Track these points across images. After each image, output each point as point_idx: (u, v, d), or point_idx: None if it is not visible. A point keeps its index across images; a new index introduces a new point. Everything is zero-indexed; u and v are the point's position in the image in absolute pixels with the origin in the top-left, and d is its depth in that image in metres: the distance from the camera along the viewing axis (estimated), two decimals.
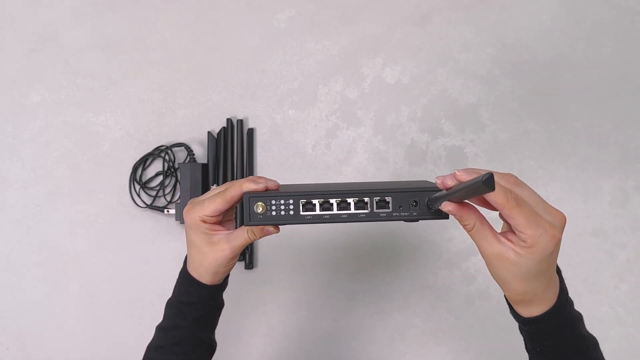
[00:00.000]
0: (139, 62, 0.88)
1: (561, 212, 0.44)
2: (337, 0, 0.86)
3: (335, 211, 0.49)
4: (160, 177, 0.86)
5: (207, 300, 0.56)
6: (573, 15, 0.84)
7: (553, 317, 0.46)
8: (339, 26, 0.86)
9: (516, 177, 0.45)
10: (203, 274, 0.54)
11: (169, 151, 0.86)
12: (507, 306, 0.50)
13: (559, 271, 0.49)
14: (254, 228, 0.52)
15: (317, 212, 0.49)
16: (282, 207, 0.49)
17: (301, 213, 0.49)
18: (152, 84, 0.87)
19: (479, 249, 0.46)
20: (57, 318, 0.87)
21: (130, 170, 0.86)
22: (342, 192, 0.48)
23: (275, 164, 0.86)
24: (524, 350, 0.56)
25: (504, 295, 0.49)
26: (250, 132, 0.86)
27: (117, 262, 0.87)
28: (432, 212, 0.48)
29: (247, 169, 0.85)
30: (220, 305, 0.60)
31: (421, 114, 0.84)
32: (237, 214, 0.82)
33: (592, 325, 0.82)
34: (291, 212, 0.49)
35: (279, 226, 0.52)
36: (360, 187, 0.50)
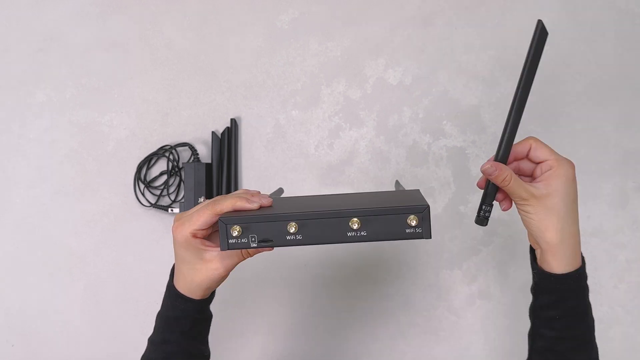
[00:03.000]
0: (143, 63, 0.88)
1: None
2: (340, 2, 0.87)
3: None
4: (165, 177, 0.87)
5: (194, 315, 0.55)
6: (574, 17, 0.84)
7: (582, 275, 0.52)
8: (341, 28, 0.87)
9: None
10: (194, 290, 0.54)
11: (173, 151, 0.87)
12: (536, 277, 0.54)
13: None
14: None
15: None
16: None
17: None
18: (157, 84, 0.88)
19: (517, 199, 0.51)
20: (62, 316, 0.88)
21: (134, 170, 0.87)
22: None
23: (279, 163, 0.87)
24: (524, 350, 0.56)
25: (531, 258, 0.55)
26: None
27: (121, 261, 0.88)
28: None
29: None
30: (208, 317, 0.59)
31: (423, 115, 0.85)
32: None
33: None
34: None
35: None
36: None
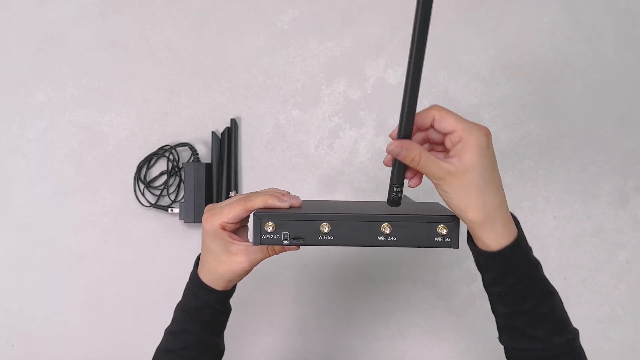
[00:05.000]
0: (143, 63, 0.88)
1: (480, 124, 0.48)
2: (340, 1, 0.87)
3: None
4: (165, 177, 0.87)
5: (215, 305, 0.57)
6: (574, 17, 0.84)
7: (517, 251, 0.48)
8: (341, 27, 0.87)
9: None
10: (217, 281, 0.55)
11: (173, 151, 0.87)
12: (473, 255, 0.51)
13: (515, 219, 0.50)
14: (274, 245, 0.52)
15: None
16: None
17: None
18: (157, 84, 0.88)
19: (432, 178, 0.46)
20: (62, 316, 0.88)
21: (134, 170, 0.87)
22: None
23: (279, 163, 0.87)
24: None
25: (467, 236, 0.51)
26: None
27: (121, 261, 0.88)
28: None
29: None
30: (227, 310, 0.60)
31: None
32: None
33: (592, 325, 0.83)
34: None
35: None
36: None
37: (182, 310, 0.58)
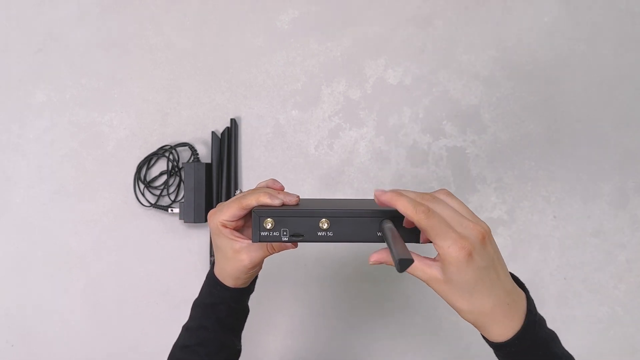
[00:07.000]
0: (143, 63, 0.88)
1: (479, 225, 0.43)
2: (340, 1, 0.87)
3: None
4: (165, 177, 0.87)
5: (230, 302, 0.57)
6: (574, 17, 0.84)
7: (522, 341, 0.46)
8: (342, 27, 0.87)
9: (435, 195, 0.46)
10: (226, 278, 0.56)
11: (173, 151, 0.87)
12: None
13: (526, 291, 0.48)
14: (273, 242, 0.52)
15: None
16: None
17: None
18: (157, 84, 0.88)
19: (420, 279, 0.46)
20: (62, 316, 0.88)
21: (134, 170, 0.87)
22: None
23: (279, 163, 0.87)
24: None
25: None
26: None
27: (121, 261, 0.88)
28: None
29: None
30: (244, 309, 0.60)
31: (423, 115, 0.85)
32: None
33: (592, 325, 0.83)
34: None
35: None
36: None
37: (199, 307, 0.59)
